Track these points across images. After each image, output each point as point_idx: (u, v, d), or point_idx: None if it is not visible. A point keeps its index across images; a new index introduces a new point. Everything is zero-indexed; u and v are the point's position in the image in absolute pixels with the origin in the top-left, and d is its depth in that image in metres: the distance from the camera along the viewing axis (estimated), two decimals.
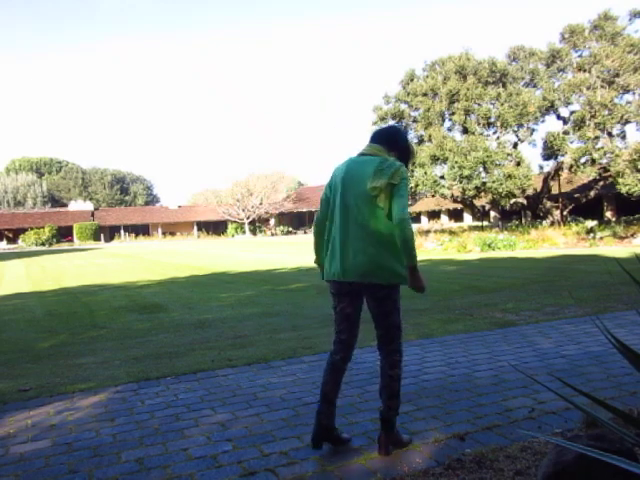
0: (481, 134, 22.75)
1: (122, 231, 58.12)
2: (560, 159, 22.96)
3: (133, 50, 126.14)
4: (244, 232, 56.15)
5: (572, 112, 22.60)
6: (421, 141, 24.21)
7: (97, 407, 3.49)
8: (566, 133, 22.37)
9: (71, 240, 54.56)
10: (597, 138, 21.44)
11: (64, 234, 54.88)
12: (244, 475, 2.42)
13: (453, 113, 23.14)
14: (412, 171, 22.57)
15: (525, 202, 24.94)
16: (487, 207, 30.92)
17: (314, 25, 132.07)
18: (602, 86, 21.40)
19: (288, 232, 55.75)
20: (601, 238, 18.21)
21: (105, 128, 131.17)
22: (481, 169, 21.86)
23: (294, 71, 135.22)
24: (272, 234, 55.70)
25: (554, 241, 18.24)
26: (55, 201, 74.29)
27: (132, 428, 3.08)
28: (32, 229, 52.59)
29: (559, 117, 23.52)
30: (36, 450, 2.82)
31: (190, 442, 2.83)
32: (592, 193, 24.69)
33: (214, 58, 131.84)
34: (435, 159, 22.48)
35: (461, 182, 21.77)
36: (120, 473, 2.50)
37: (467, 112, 22.80)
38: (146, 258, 23.40)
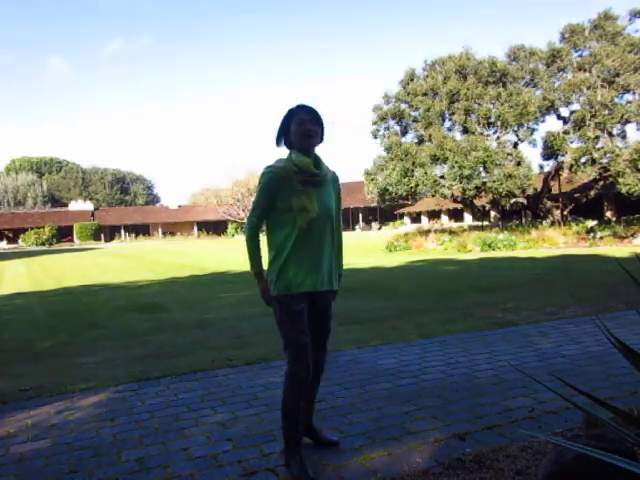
0: (481, 134, 22.75)
1: (122, 231, 58.12)
2: (560, 159, 22.95)
3: (133, 49, 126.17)
4: (244, 232, 56.14)
5: (572, 112, 22.59)
6: (421, 141, 24.20)
7: (97, 407, 3.49)
8: (566, 133, 22.36)
9: (71, 240, 54.58)
10: (597, 138, 21.43)
11: (64, 234, 54.90)
12: (244, 475, 2.42)
13: (453, 113, 23.13)
14: (412, 171, 22.58)
15: (525, 202, 24.94)
16: (487, 207, 30.90)
17: (314, 24, 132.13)
18: (602, 86, 21.39)
19: None
20: (601, 238, 18.21)
21: (105, 128, 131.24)
22: (481, 169, 21.85)
23: (294, 70, 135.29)
24: None
25: (554, 241, 18.25)
26: (55, 201, 74.31)
27: (132, 428, 3.08)
28: (32, 229, 52.60)
29: (559, 117, 23.51)
30: (36, 450, 2.82)
31: (190, 442, 2.83)
32: (592, 193, 24.68)
33: (215, 57, 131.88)
34: (435, 159, 22.47)
35: (461, 182, 21.76)
36: (120, 473, 2.50)
37: (467, 112, 22.80)
38: (146, 258, 23.40)
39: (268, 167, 2.47)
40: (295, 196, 2.40)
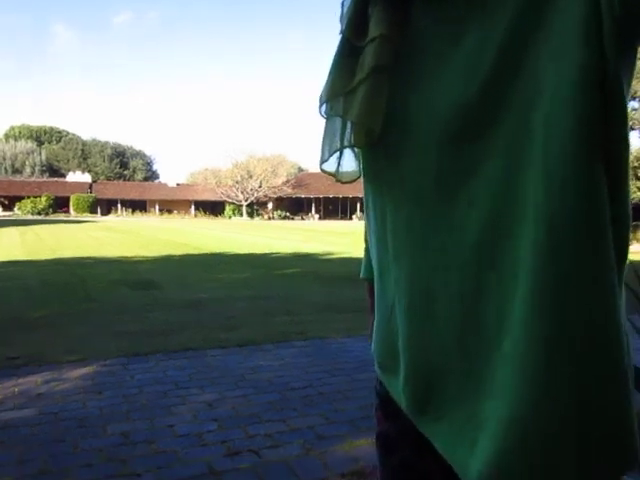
0: None
1: (119, 205, 57.91)
2: None
3: (139, 23, 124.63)
4: (241, 214, 56.04)
5: None
6: None
7: (85, 379, 3.50)
8: None
9: (67, 211, 54.36)
10: None
11: (61, 204, 54.65)
12: (228, 455, 2.44)
13: None
14: None
15: None
16: None
17: (317, 14, 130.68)
18: None
19: (285, 217, 55.69)
20: None
21: (107, 101, 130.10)
22: None
23: (300, 53, 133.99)
24: (269, 218, 55.62)
25: None
26: (53, 171, 73.79)
27: (120, 402, 3.09)
28: (29, 197, 52.34)
29: None
30: (22, 418, 2.83)
31: (176, 419, 2.84)
32: None
33: (219, 36, 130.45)
34: None
35: None
36: (105, 445, 2.52)
37: None
38: (143, 234, 23.35)
39: None
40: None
